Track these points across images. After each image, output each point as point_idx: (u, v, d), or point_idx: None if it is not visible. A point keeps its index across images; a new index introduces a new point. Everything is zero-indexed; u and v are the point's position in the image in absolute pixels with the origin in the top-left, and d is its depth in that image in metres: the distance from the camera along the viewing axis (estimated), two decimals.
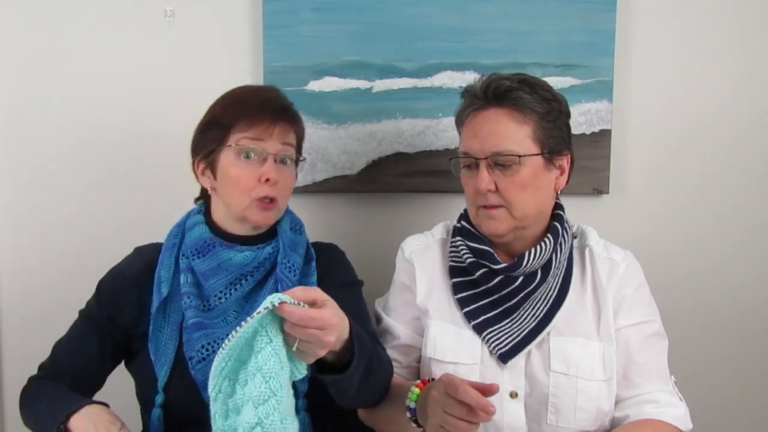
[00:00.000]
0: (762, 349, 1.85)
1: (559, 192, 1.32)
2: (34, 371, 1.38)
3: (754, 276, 1.83)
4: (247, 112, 1.25)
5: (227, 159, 1.26)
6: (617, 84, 1.73)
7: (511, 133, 1.24)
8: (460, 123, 1.33)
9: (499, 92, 1.25)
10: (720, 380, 1.85)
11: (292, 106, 1.33)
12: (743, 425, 1.87)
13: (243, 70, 1.69)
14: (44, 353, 1.37)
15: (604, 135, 1.74)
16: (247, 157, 1.25)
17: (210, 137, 1.28)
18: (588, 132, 1.73)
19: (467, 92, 1.31)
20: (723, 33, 1.76)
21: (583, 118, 1.72)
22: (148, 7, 1.69)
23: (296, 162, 1.34)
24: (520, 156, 1.23)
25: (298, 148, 1.34)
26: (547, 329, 1.24)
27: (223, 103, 1.30)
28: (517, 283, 1.25)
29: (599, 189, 1.76)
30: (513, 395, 1.24)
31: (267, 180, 1.24)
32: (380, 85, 1.71)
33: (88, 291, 1.36)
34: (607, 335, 1.25)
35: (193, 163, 1.33)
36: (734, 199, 1.81)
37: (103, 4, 1.69)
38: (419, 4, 1.69)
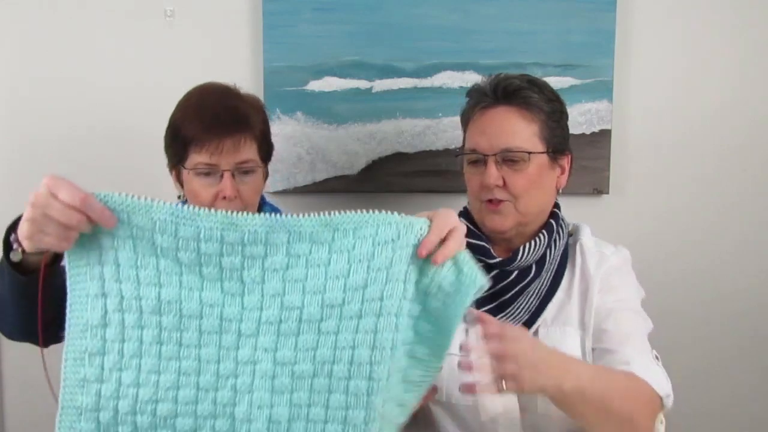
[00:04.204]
0: (762, 349, 1.85)
1: (559, 191, 1.33)
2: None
3: (754, 276, 1.83)
4: (198, 128, 1.25)
5: (187, 175, 1.28)
6: (617, 84, 1.73)
7: (520, 130, 1.25)
8: (466, 120, 1.34)
9: (509, 91, 1.26)
10: (721, 379, 1.85)
11: (240, 111, 1.28)
12: (743, 426, 1.87)
13: (243, 70, 1.69)
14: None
15: (604, 135, 1.74)
16: (206, 174, 1.26)
17: (173, 151, 1.30)
18: (588, 132, 1.73)
19: (475, 91, 1.32)
20: (723, 33, 1.76)
21: (583, 118, 1.72)
22: (148, 7, 1.70)
23: (265, 160, 1.33)
24: (529, 152, 1.24)
25: (263, 148, 1.32)
26: (539, 321, 1.26)
27: (181, 113, 1.30)
28: (511, 278, 1.26)
29: (599, 189, 1.76)
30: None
31: (225, 197, 1.25)
32: (380, 85, 1.71)
33: None
34: (588, 327, 1.26)
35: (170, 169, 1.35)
36: (734, 199, 1.81)
37: (103, 4, 1.69)
38: (419, 4, 1.69)
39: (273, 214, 0.88)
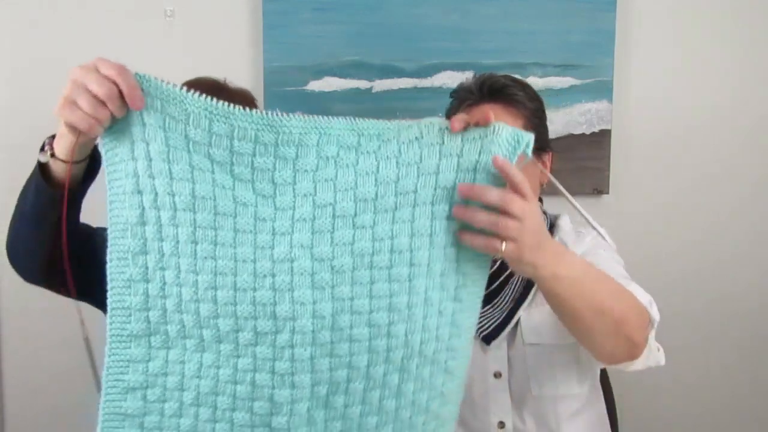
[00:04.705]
0: (763, 349, 1.85)
1: (543, 186, 1.35)
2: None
3: (754, 275, 1.83)
4: None
5: None
6: (617, 84, 1.73)
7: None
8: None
9: (495, 88, 1.28)
10: (721, 379, 1.85)
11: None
12: (743, 426, 1.87)
13: (243, 70, 1.69)
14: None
15: (604, 135, 1.74)
16: None
17: None
18: (588, 132, 1.74)
19: (460, 90, 1.34)
20: (722, 33, 1.76)
21: (583, 118, 1.72)
22: (148, 7, 1.70)
23: None
24: None
25: None
26: (523, 306, 1.27)
27: None
28: (494, 268, 1.27)
29: (599, 189, 1.76)
30: (497, 375, 1.26)
31: None
32: (380, 85, 1.71)
33: None
34: None
35: None
36: (734, 198, 1.81)
37: (103, 4, 1.69)
38: (419, 4, 1.69)
39: (304, 116, 0.89)
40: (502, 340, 1.26)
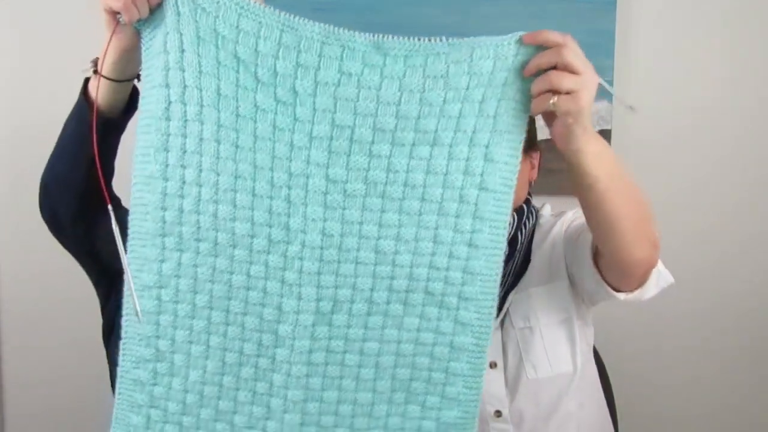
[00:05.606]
0: (763, 350, 1.85)
1: (532, 184, 1.36)
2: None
3: (755, 275, 1.83)
4: None
5: None
6: (617, 84, 1.73)
7: None
8: None
9: None
10: (721, 380, 1.85)
11: None
12: (743, 427, 1.87)
13: None
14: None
15: (604, 135, 1.74)
16: None
17: None
18: None
19: None
20: (722, 33, 1.76)
21: None
22: None
23: None
24: None
25: None
26: (512, 292, 1.28)
27: None
28: None
29: None
30: (492, 365, 1.27)
31: None
32: None
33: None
34: (557, 272, 1.28)
35: None
36: (734, 198, 1.81)
37: None
38: (419, 4, 1.69)
39: (328, 26, 0.91)
40: (496, 328, 1.27)
